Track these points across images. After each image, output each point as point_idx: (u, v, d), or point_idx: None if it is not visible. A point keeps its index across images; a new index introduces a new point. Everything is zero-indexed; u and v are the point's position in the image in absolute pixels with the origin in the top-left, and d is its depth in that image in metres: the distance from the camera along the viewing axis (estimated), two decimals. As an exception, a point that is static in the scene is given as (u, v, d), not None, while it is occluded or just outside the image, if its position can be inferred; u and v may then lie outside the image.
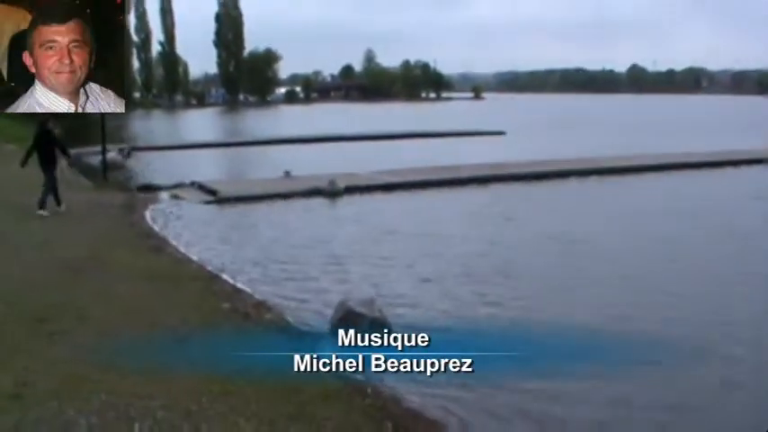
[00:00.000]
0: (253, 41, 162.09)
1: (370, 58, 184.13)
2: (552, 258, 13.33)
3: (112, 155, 29.75)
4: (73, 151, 34.69)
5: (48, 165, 16.49)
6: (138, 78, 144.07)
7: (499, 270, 12.17)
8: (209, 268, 12.08)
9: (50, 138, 16.62)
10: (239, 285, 10.94)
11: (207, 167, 28.55)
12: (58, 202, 16.66)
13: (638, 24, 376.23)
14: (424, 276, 11.60)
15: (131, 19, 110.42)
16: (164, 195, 21.12)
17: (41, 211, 15.95)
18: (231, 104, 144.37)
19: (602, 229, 16.26)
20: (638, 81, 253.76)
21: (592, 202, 20.50)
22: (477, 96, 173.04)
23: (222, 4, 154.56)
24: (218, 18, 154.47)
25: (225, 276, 11.50)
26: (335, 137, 42.81)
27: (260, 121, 73.25)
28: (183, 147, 38.61)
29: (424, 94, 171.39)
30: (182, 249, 13.67)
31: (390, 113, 78.31)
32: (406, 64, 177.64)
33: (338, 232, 15.54)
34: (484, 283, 11.24)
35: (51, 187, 16.55)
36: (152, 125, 74.77)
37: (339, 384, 7.12)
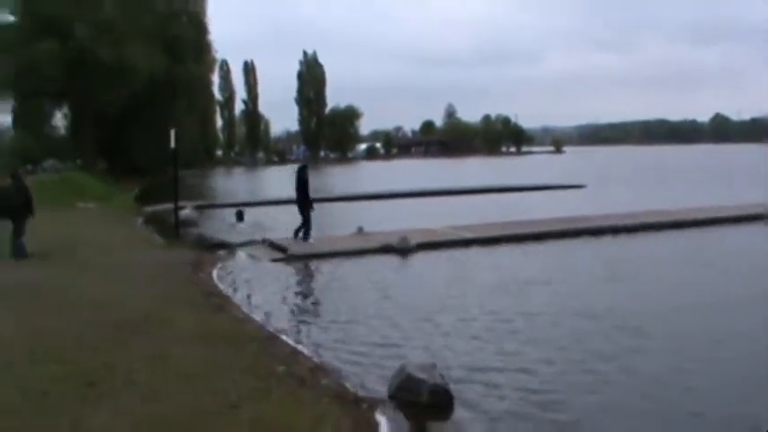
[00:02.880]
0: (334, 98, 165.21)
1: (450, 112, 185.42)
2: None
3: (187, 211, 30.04)
4: (151, 208, 35.77)
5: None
6: (220, 136, 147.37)
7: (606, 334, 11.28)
8: (269, 328, 11.76)
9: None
10: (298, 347, 10.57)
11: (283, 224, 28.45)
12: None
13: (722, 73, 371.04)
14: (505, 349, 10.73)
15: (215, 78, 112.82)
16: (234, 253, 21.01)
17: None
18: (312, 161, 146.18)
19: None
20: (722, 130, 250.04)
21: (678, 255, 19.52)
22: (558, 150, 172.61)
23: (304, 63, 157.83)
24: (300, 76, 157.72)
25: (284, 337, 11.15)
26: (413, 192, 42.67)
27: (339, 177, 73.79)
28: (261, 203, 38.79)
29: (504, 148, 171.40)
30: (243, 308, 13.41)
31: (470, 168, 78.05)
32: (487, 118, 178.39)
33: (404, 291, 15.07)
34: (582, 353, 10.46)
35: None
36: (232, 182, 75.95)
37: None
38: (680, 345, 10.50)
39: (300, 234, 21.73)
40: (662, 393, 8.62)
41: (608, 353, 10.09)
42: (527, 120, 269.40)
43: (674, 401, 8.37)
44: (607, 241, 21.82)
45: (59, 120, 74.71)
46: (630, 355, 10.04)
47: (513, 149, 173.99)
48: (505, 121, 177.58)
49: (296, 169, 22.59)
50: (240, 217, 32.03)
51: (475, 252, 20.18)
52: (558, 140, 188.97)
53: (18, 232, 18.73)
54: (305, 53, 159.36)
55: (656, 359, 9.90)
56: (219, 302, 13.64)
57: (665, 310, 12.60)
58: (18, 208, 18.71)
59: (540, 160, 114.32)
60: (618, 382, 9.04)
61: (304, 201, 21.88)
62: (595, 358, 9.86)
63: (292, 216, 32.69)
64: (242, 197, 43.44)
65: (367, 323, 12.19)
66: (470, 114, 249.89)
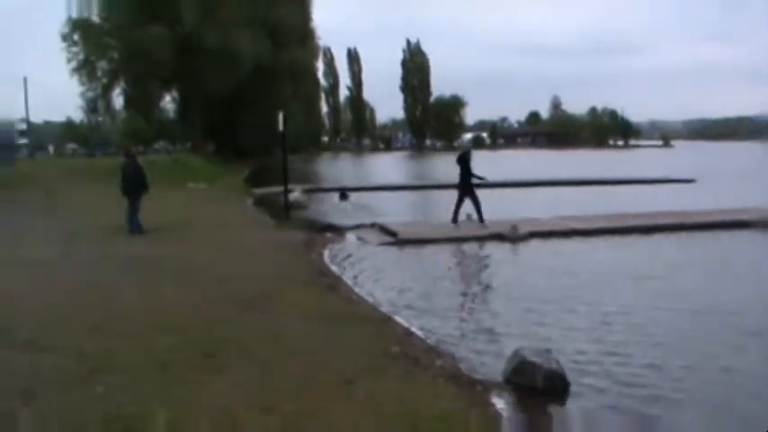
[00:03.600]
0: (439, 88, 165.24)
1: (556, 104, 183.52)
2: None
3: (296, 194, 30.44)
4: (260, 191, 36.40)
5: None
6: (326, 122, 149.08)
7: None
8: (383, 309, 11.80)
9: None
10: (412, 329, 10.57)
11: (390, 209, 28.62)
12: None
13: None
14: (614, 339, 10.51)
15: (320, 65, 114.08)
16: (343, 235, 21.19)
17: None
18: (418, 149, 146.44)
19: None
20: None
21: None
22: (666, 144, 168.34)
23: (408, 51, 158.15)
24: (404, 64, 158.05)
25: (398, 318, 11.17)
26: (521, 182, 42.21)
27: (446, 166, 73.62)
28: (370, 188, 39.06)
29: (611, 142, 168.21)
30: (356, 290, 13.48)
31: (578, 160, 76.94)
32: (593, 111, 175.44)
33: (519, 278, 14.92)
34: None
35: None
36: (339, 167, 76.65)
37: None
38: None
39: (476, 216, 22.29)
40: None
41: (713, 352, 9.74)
42: (634, 113, 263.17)
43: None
44: (714, 236, 21.09)
45: (168, 103, 76.74)
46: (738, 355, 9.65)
47: (620, 143, 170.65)
48: (612, 114, 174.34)
49: (458, 156, 23.34)
50: (344, 196, 32.40)
51: (584, 243, 19.81)
52: (665, 135, 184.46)
53: (134, 208, 19.36)
54: (408, 42, 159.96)
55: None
56: (332, 283, 13.74)
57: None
58: (133, 185, 19.34)
59: (649, 154, 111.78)
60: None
61: (468, 185, 22.56)
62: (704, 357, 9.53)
63: (399, 202, 33.08)
64: (349, 182, 43.69)
65: (479, 309, 12.13)
66: (576, 106, 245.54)
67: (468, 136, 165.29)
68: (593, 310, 11.80)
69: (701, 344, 9.97)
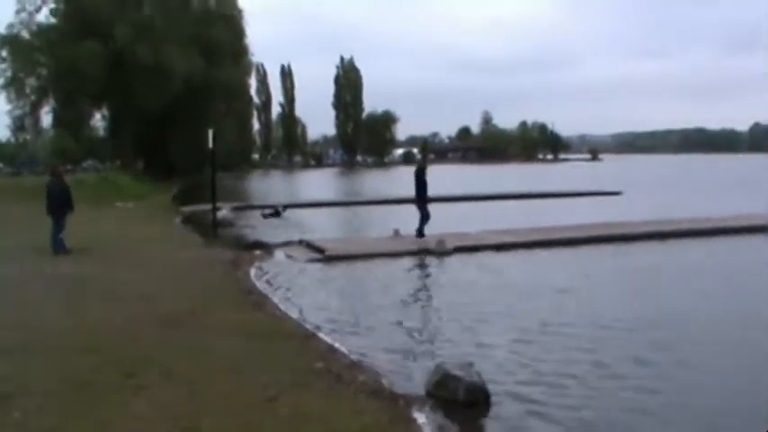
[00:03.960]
0: (371, 103, 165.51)
1: (487, 119, 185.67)
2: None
3: (224, 212, 30.32)
4: (189, 209, 36.14)
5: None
6: (257, 139, 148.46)
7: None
8: (307, 326, 11.83)
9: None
10: (336, 345, 10.63)
11: (320, 226, 28.71)
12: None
13: (763, 80, 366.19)
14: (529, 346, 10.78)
15: (252, 81, 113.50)
16: (271, 253, 21.15)
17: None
18: (349, 165, 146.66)
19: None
20: (761, 140, 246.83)
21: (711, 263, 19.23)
22: (595, 157, 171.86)
23: (341, 68, 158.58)
24: (336, 80, 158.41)
25: (321, 335, 11.22)
26: (449, 197, 42.59)
27: (376, 182, 73.92)
28: (298, 206, 38.99)
29: (541, 155, 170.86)
30: (281, 306, 13.47)
31: (507, 174, 78.00)
32: (524, 125, 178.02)
33: (442, 292, 15.12)
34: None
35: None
36: (269, 184, 76.40)
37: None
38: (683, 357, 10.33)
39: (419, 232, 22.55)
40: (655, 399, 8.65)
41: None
42: (564, 127, 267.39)
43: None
44: (639, 247, 21.61)
45: (99, 121, 75.64)
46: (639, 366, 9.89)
47: (549, 156, 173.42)
48: (542, 129, 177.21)
49: (414, 171, 23.73)
50: (277, 213, 32.38)
51: (510, 256, 20.13)
52: (594, 148, 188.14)
53: (58, 227, 19.09)
54: (342, 58, 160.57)
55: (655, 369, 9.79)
56: (258, 300, 13.75)
57: (684, 321, 12.35)
58: (58, 204, 19.10)
59: (577, 167, 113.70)
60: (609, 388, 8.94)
61: (421, 199, 23.06)
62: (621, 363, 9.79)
63: (328, 218, 33.15)
64: (279, 199, 43.63)
65: (404, 324, 12.24)
66: (507, 121, 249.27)
67: (399, 152, 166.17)
68: (511, 324, 11.97)
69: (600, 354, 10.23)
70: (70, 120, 65.56)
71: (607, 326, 11.80)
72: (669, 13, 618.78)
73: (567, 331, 11.44)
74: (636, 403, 8.37)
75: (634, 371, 9.51)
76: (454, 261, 19.22)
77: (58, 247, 18.81)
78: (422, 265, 18.73)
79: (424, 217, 22.75)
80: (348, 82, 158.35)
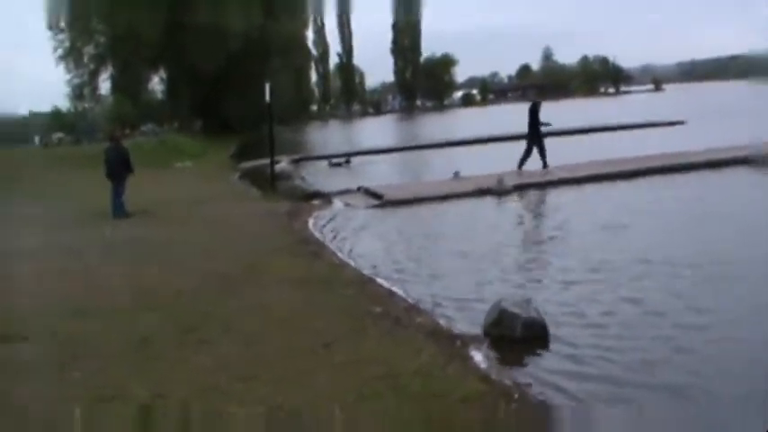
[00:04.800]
0: (429, 47, 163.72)
1: (547, 56, 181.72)
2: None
3: (282, 165, 30.48)
4: (247, 164, 36.40)
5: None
6: (315, 90, 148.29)
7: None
8: (365, 272, 11.88)
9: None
10: (393, 288, 10.66)
11: (380, 173, 28.73)
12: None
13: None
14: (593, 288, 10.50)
15: (309, 34, 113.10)
16: (329, 202, 21.25)
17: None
18: (408, 111, 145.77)
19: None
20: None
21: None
22: (658, 88, 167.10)
23: (399, 13, 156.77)
24: (394, 27, 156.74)
25: (380, 280, 11.25)
26: (509, 136, 42.17)
27: (436, 126, 73.53)
28: (358, 153, 38.99)
29: (602, 89, 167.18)
30: (339, 254, 13.56)
31: (568, 110, 76.71)
32: (585, 60, 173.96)
33: (505, 230, 15.04)
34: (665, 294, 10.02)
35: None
36: (328, 135, 76.54)
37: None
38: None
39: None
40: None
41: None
42: (627, 59, 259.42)
43: None
44: (702, 176, 21.05)
45: (156, 84, 76.23)
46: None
47: (611, 90, 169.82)
48: (603, 62, 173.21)
49: (528, 107, 25.15)
50: (347, 162, 32.63)
51: (569, 192, 19.93)
52: (657, 79, 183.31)
53: (118, 192, 19.35)
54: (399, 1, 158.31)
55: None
56: (315, 249, 13.82)
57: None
58: (117, 168, 19.34)
59: (640, 99, 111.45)
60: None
61: (534, 134, 24.45)
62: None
63: (389, 164, 33.12)
64: (337, 149, 43.74)
65: (464, 263, 12.22)
66: (569, 56, 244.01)
67: (459, 94, 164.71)
68: (564, 263, 11.81)
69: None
70: (128, 85, 66.34)
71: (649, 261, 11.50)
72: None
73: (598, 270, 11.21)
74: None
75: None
76: (514, 200, 19.10)
77: (119, 212, 19.08)
78: (481, 206, 18.62)
79: (542, 150, 24.16)
80: (407, 27, 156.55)
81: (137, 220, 18.37)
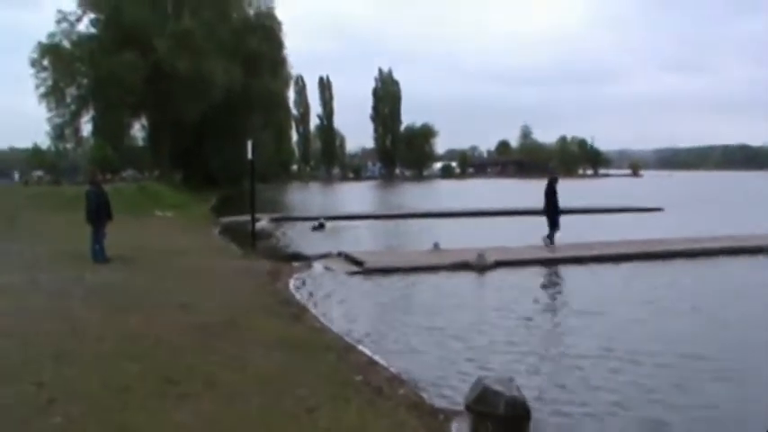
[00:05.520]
0: (409, 116, 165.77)
1: (526, 133, 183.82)
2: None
3: (263, 223, 30.52)
4: (228, 219, 36.44)
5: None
6: (296, 150, 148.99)
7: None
8: (347, 339, 11.91)
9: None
10: (375, 357, 10.69)
11: (359, 238, 28.86)
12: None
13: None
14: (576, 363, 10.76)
15: (291, 93, 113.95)
16: (309, 265, 21.28)
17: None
18: (388, 178, 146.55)
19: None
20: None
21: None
22: (635, 173, 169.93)
23: (380, 80, 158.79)
24: (375, 93, 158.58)
25: (361, 347, 11.29)
26: (491, 211, 42.58)
27: (416, 195, 73.96)
28: (338, 218, 39.05)
29: (581, 171, 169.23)
30: (320, 318, 13.61)
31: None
32: (563, 140, 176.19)
33: (482, 307, 15.10)
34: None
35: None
36: (308, 196, 76.73)
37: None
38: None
39: (549, 239, 24.16)
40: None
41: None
42: (604, 142, 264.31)
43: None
44: (680, 265, 21.36)
45: (138, 131, 76.38)
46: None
47: (589, 172, 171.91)
48: (582, 143, 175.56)
49: (547, 181, 25.58)
50: (320, 226, 32.53)
51: (550, 272, 20.13)
52: (635, 164, 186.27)
53: (98, 236, 19.24)
54: (380, 70, 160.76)
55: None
56: (296, 312, 13.86)
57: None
58: (97, 212, 19.23)
59: (618, 183, 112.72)
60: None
61: (553, 209, 24.65)
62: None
63: (368, 230, 33.22)
64: (319, 211, 43.86)
65: (442, 338, 12.25)
66: (546, 135, 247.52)
67: (438, 165, 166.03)
68: (540, 350, 11.83)
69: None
70: (110, 129, 66.19)
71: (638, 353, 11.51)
72: (709, 27, 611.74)
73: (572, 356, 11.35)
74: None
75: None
76: (495, 276, 19.20)
77: (98, 256, 18.98)
78: (461, 280, 18.70)
79: (554, 224, 24.38)
80: (387, 94, 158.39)
81: (117, 266, 18.29)
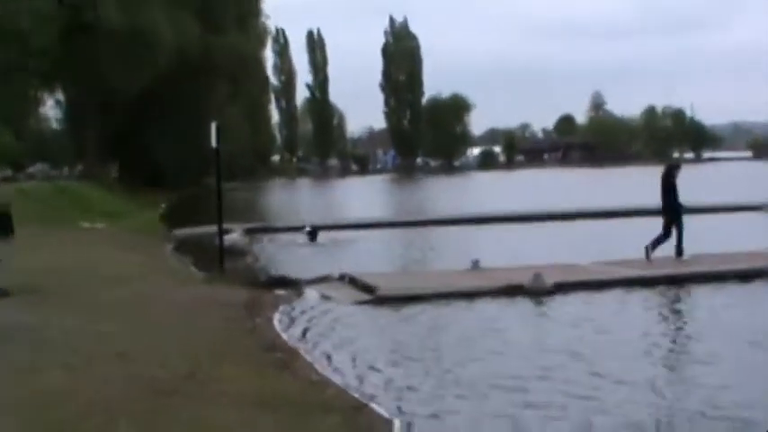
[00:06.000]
0: (434, 85, 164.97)
1: (598, 104, 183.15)
2: None
3: (235, 236, 30.52)
4: (185, 232, 36.42)
5: None
6: (277, 135, 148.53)
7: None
8: (355, 395, 11.81)
9: None
10: (395, 421, 10.58)
11: (368, 255, 28.79)
12: None
13: None
14: None
15: (269, 55, 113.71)
16: (301, 293, 21.22)
17: None
18: (405, 171, 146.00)
19: None
20: None
21: None
22: (759, 154, 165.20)
23: (391, 34, 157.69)
24: (385, 52, 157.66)
25: (375, 407, 11.17)
26: (551, 214, 42.37)
27: (444, 194, 73.82)
28: (337, 227, 39.05)
29: (676, 154, 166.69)
30: (317, 367, 13.54)
31: (629, 181, 77.22)
32: (651, 112, 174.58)
33: (537, 351, 14.93)
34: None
35: None
36: (297, 198, 76.75)
37: None
38: None
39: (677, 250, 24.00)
40: None
41: None
42: (709, 113, 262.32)
43: None
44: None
45: (51, 109, 75.64)
46: None
47: (689, 155, 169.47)
48: (677, 116, 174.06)
49: (664, 170, 25.54)
50: (313, 236, 32.50)
51: (632, 297, 19.96)
52: (757, 142, 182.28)
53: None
54: (392, 20, 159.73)
55: None
56: (284, 358, 13.77)
57: None
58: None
59: (733, 170, 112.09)
60: None
61: (671, 208, 24.63)
62: None
63: (382, 243, 33.16)
64: (312, 218, 43.78)
65: (485, 395, 12.12)
66: (626, 106, 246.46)
67: (475, 152, 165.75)
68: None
69: None
70: (8, 106, 64.82)
71: None
72: None
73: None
74: None
75: None
76: (555, 304, 19.05)
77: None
78: (510, 310, 18.62)
79: (678, 228, 24.15)
80: (401, 54, 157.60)
81: (23, 301, 17.97)
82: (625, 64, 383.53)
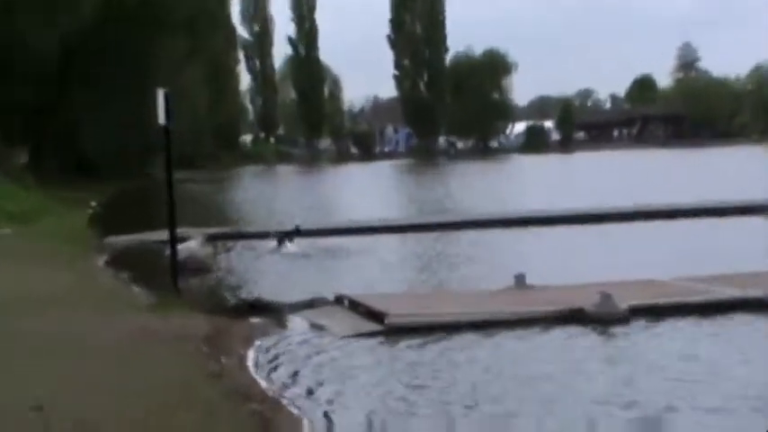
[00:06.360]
0: (460, 39, 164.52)
1: (687, 61, 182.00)
2: None
3: (192, 245, 30.58)
4: (123, 239, 36.47)
5: None
6: (249, 106, 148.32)
7: None
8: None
9: None
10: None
11: (374, 268, 28.81)
12: None
13: None
14: None
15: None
16: (285, 321, 21.24)
17: None
18: (422, 155, 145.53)
19: None
20: None
21: None
22: None
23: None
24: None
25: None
26: (611, 214, 42.34)
27: (476, 187, 73.92)
28: (331, 231, 39.15)
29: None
30: (306, 426, 13.56)
31: (723, 168, 77.15)
32: (760, 70, 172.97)
33: (610, 400, 14.89)
34: None
35: None
36: (276, 192, 76.91)
37: None
38: None
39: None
40: None
41: None
42: None
43: None
44: None
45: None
46: None
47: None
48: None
49: None
50: (290, 236, 32.55)
51: (736, 324, 19.91)
52: None
53: None
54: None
55: None
56: (263, 412, 13.79)
57: None
58: None
59: None
60: None
61: None
62: None
63: (393, 253, 33.25)
64: (296, 219, 43.88)
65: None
66: (728, 63, 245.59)
67: (518, 127, 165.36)
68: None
69: None
70: None
71: None
72: None
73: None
74: None
75: None
76: (632, 334, 19.00)
77: None
78: (572, 345, 18.55)
79: None
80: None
81: None
82: (725, 5, 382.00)
